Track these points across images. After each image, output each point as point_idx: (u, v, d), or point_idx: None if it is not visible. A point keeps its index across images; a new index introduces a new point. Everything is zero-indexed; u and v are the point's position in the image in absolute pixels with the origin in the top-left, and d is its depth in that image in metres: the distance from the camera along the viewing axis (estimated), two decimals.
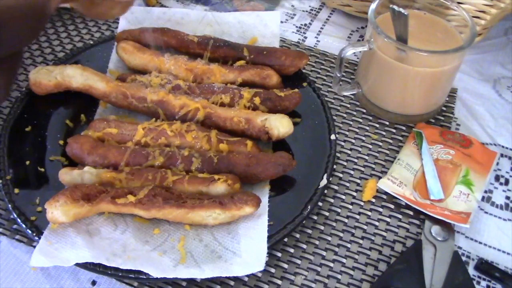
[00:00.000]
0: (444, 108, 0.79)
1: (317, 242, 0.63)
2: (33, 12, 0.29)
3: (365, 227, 0.65)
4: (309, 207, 0.60)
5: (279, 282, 0.59)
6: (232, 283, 0.59)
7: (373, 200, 0.67)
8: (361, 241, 0.63)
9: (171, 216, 0.58)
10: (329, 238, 0.63)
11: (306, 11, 0.94)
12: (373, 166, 0.71)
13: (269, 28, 0.82)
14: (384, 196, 0.68)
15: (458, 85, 0.83)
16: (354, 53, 0.79)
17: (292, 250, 0.62)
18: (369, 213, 0.66)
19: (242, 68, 0.73)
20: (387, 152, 0.73)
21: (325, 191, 0.66)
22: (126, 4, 0.46)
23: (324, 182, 0.63)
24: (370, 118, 0.77)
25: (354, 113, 0.77)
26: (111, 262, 0.54)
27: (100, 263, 0.54)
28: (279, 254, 0.61)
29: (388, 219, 0.66)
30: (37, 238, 0.56)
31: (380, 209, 0.66)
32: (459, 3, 0.76)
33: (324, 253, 0.62)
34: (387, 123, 0.76)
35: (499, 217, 0.67)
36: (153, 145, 0.64)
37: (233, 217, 0.58)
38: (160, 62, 0.73)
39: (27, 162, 0.64)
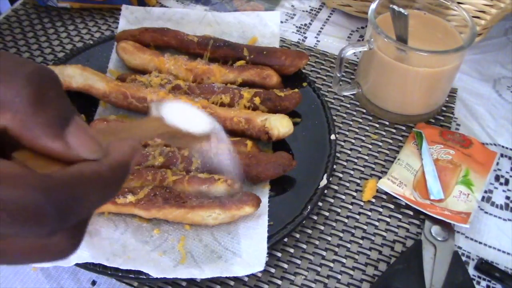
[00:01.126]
0: (444, 108, 0.79)
1: (317, 242, 0.63)
2: (110, 179, 0.30)
3: (365, 227, 0.65)
4: (309, 207, 0.60)
5: (279, 282, 0.59)
6: (232, 283, 0.59)
7: (373, 200, 0.67)
8: (361, 241, 0.63)
9: (171, 216, 0.58)
10: (329, 238, 0.63)
11: (306, 11, 0.94)
12: (373, 166, 0.71)
13: (269, 28, 0.82)
14: (384, 196, 0.68)
15: (458, 85, 0.83)
16: (354, 53, 0.79)
17: (292, 250, 0.62)
18: (369, 213, 0.66)
19: (242, 68, 0.73)
20: (387, 152, 0.73)
21: (325, 191, 0.66)
22: (205, 137, 0.48)
23: (324, 182, 0.63)
24: (370, 118, 0.77)
25: (354, 113, 0.77)
26: (111, 262, 0.54)
27: (100, 263, 0.54)
28: (279, 254, 0.61)
29: (388, 219, 0.66)
30: None
31: (380, 209, 0.66)
32: (459, 3, 0.76)
33: (324, 253, 0.62)
34: (387, 123, 0.76)
35: (499, 217, 0.67)
36: (153, 145, 0.64)
37: (233, 217, 0.58)
38: (160, 62, 0.73)
39: None
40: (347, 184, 0.69)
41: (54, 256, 0.28)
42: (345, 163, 0.71)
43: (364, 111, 0.78)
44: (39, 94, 0.27)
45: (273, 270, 0.60)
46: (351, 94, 0.79)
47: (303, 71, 0.76)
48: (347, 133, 0.75)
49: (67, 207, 0.26)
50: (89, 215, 0.30)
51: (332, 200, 0.67)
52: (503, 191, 0.70)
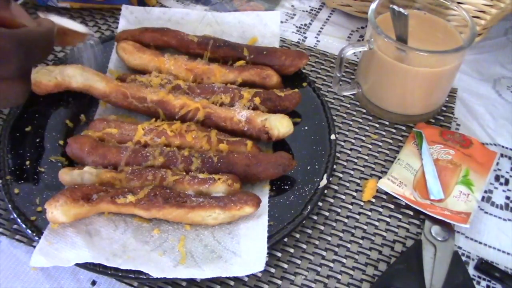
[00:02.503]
0: (444, 108, 0.79)
1: (317, 242, 0.63)
2: (47, 38, 0.44)
3: (365, 227, 0.65)
4: (309, 207, 0.60)
5: (279, 282, 0.59)
6: (232, 283, 0.59)
7: (373, 200, 0.67)
8: (361, 241, 0.63)
9: (171, 216, 0.58)
10: (329, 238, 0.63)
11: (306, 11, 0.94)
12: (373, 166, 0.71)
13: (269, 28, 0.82)
14: (384, 196, 0.68)
15: (458, 85, 0.83)
16: (354, 53, 0.79)
17: (292, 250, 0.62)
18: (369, 213, 0.66)
19: (242, 68, 0.73)
20: (387, 152, 0.73)
21: (325, 191, 0.66)
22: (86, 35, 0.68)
23: (324, 182, 0.63)
24: (370, 118, 0.77)
25: (354, 113, 0.77)
26: (111, 262, 0.54)
27: (100, 263, 0.54)
28: (279, 254, 0.61)
29: (388, 219, 0.66)
30: (37, 238, 0.56)
31: (380, 209, 0.66)
32: (459, 3, 0.76)
33: (324, 253, 0.62)
34: (387, 123, 0.76)
35: (499, 217, 0.67)
36: (153, 145, 0.64)
37: (233, 217, 0.58)
38: (160, 62, 0.73)
39: (27, 162, 0.64)
40: (347, 184, 0.69)
41: (10, 101, 0.42)
42: (345, 163, 0.71)
43: (364, 111, 0.78)
44: None
45: (273, 270, 0.60)
46: (351, 94, 0.79)
47: (303, 71, 0.76)
48: (347, 133, 0.75)
49: (28, 52, 0.39)
50: (32, 66, 0.44)
51: (332, 200, 0.67)
52: (503, 191, 0.70)
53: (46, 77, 0.69)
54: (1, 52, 0.37)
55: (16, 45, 0.38)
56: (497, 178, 0.71)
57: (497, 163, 0.72)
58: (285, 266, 0.61)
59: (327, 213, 0.66)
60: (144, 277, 0.54)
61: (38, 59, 0.42)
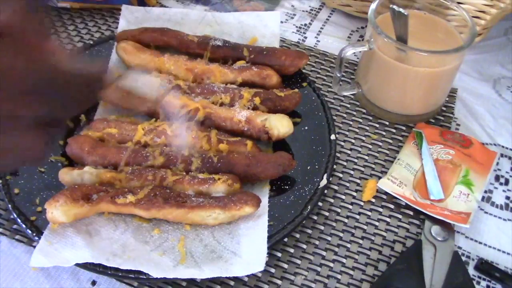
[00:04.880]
0: (444, 108, 0.79)
1: (317, 242, 0.63)
2: (89, 82, 0.33)
3: (365, 227, 0.65)
4: (309, 207, 0.60)
5: (279, 282, 0.59)
6: (232, 283, 0.59)
7: (373, 200, 0.67)
8: (361, 241, 0.63)
9: (171, 216, 0.58)
10: (329, 238, 0.63)
11: (306, 11, 0.94)
12: (373, 166, 0.71)
13: (269, 28, 0.82)
14: (384, 196, 0.68)
15: (458, 85, 0.83)
16: (354, 53, 0.79)
17: (292, 250, 0.62)
18: (369, 213, 0.66)
19: (242, 68, 0.73)
20: (387, 152, 0.73)
21: (325, 191, 0.66)
22: (153, 102, 0.58)
23: (324, 182, 0.63)
24: (370, 118, 0.77)
25: (354, 113, 0.77)
26: (111, 262, 0.54)
27: (100, 263, 0.54)
28: (279, 254, 0.61)
29: (388, 219, 0.66)
30: (37, 238, 0.56)
31: (380, 209, 0.66)
32: (459, 3, 0.76)
33: (324, 253, 0.62)
34: (387, 123, 0.76)
35: (499, 217, 0.67)
36: (153, 145, 0.64)
37: (233, 217, 0.58)
38: (160, 62, 0.73)
39: None
40: (347, 184, 0.69)
41: (24, 160, 0.33)
42: (345, 163, 0.71)
43: (364, 111, 0.78)
44: None
45: (273, 270, 0.60)
46: (351, 94, 0.79)
47: (303, 71, 0.76)
48: (347, 133, 0.75)
49: (63, 96, 0.31)
50: (68, 115, 0.36)
51: (332, 200, 0.67)
52: (503, 191, 0.70)
53: None
54: (22, 93, 0.26)
55: (45, 84, 0.27)
56: (497, 178, 0.71)
57: (497, 163, 0.72)
58: (285, 266, 0.61)
59: (327, 213, 0.66)
60: (144, 277, 0.54)
61: (72, 110, 0.31)
